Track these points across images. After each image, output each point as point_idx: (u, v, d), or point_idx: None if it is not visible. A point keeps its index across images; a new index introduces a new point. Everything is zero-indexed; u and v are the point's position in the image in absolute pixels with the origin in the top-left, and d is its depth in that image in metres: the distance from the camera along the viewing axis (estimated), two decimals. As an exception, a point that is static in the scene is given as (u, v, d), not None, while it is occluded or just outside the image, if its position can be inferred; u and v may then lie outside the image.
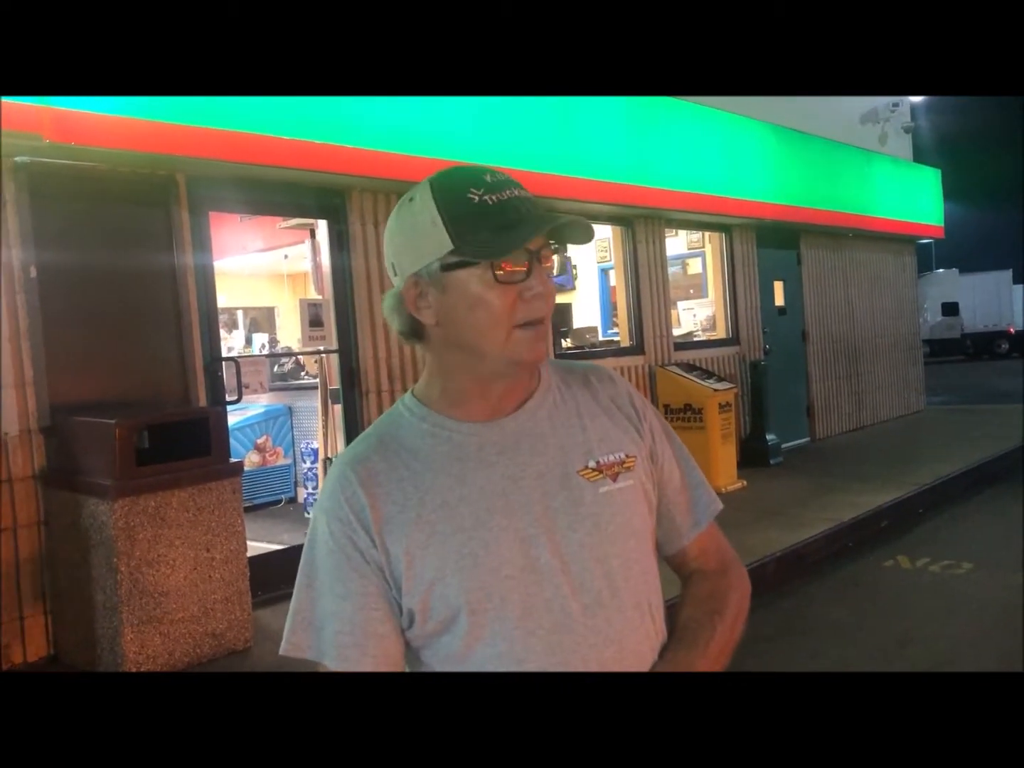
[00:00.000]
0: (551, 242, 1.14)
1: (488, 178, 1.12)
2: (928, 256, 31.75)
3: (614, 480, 1.18)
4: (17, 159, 4.20)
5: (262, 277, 9.45)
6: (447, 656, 1.14)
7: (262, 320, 9.25)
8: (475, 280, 1.10)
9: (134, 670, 3.87)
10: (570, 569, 1.13)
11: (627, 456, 1.20)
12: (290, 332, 9.34)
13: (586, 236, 1.16)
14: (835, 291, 10.59)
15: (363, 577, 1.13)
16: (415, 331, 1.19)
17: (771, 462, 8.42)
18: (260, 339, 8.38)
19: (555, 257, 1.19)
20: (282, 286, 9.67)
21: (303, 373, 8.14)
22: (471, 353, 1.14)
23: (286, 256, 8.20)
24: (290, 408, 7.80)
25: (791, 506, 6.77)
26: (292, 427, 7.87)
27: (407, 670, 1.19)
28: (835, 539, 6.04)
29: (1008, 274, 29.27)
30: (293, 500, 7.60)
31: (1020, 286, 29.59)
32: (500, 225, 1.09)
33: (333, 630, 1.13)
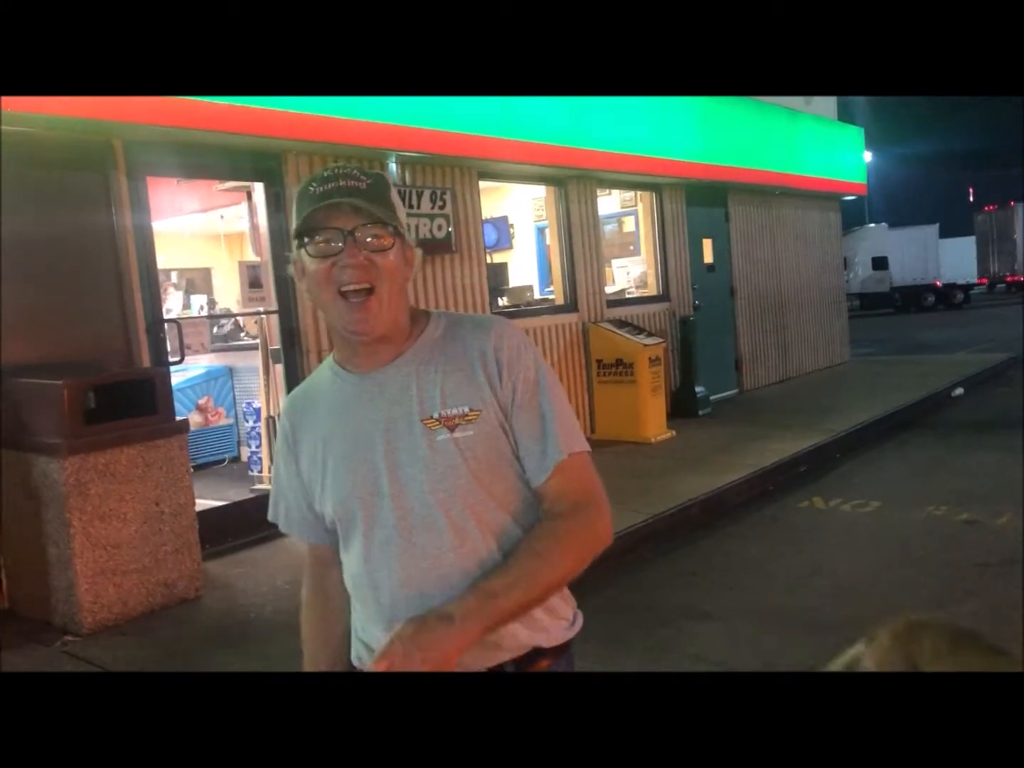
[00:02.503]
0: (364, 222, 1.35)
1: (327, 173, 1.38)
2: (861, 211, 32.38)
3: (451, 431, 1.39)
4: (-47, 125, 4.24)
5: (198, 238, 9.44)
6: (339, 548, 1.52)
7: (199, 281, 9.26)
8: (305, 256, 1.38)
9: (90, 619, 4.06)
10: (404, 498, 1.40)
11: (470, 410, 1.40)
12: (228, 293, 9.38)
13: (369, 216, 1.35)
14: (762, 248, 10.96)
15: (293, 478, 1.54)
16: (312, 296, 1.45)
17: (699, 413, 8.79)
18: (198, 300, 8.42)
19: (373, 231, 1.35)
20: (218, 247, 9.67)
21: (242, 334, 8.23)
22: (327, 314, 1.42)
23: (222, 217, 8.23)
24: (231, 369, 7.89)
25: (716, 454, 7.14)
26: (233, 387, 7.98)
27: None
28: (755, 483, 6.42)
29: (935, 228, 29.99)
30: (236, 459, 7.72)
31: (947, 240, 30.40)
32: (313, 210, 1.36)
33: (283, 510, 1.59)
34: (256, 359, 7.08)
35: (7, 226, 4.43)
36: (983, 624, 3.63)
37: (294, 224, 1.39)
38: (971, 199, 38.83)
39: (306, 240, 1.37)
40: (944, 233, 30.35)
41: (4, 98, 4.09)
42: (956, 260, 29.75)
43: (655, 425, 7.77)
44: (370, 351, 1.44)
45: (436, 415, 1.39)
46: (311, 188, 1.37)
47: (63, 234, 4.70)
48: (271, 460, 6.36)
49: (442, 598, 1.32)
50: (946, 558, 4.76)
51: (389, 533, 1.41)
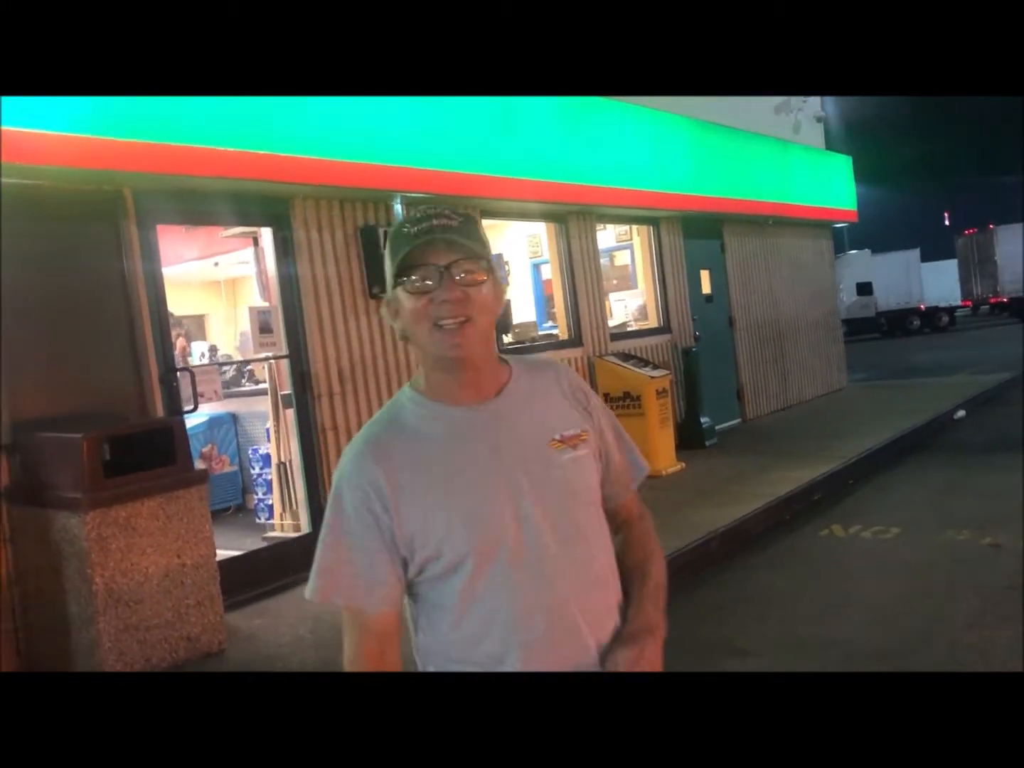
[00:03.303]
0: (459, 258, 1.40)
1: (420, 215, 1.43)
2: (841, 238, 32.74)
3: (575, 449, 1.50)
4: (-35, 180, 4.20)
5: (191, 285, 9.40)
6: (455, 591, 1.44)
7: (193, 328, 9.20)
8: (403, 292, 1.42)
9: (113, 678, 3.95)
10: (548, 515, 1.45)
11: (582, 431, 1.53)
12: (228, 339, 9.32)
13: (464, 251, 1.41)
14: (758, 277, 11.02)
15: (373, 538, 1.42)
16: (405, 334, 1.49)
17: (706, 444, 8.76)
18: (199, 347, 8.36)
19: (468, 267, 1.40)
20: (210, 293, 9.64)
21: (243, 380, 8.16)
22: (423, 348, 1.45)
23: (216, 263, 8.20)
24: (234, 415, 7.81)
25: (729, 484, 7.10)
26: (237, 434, 7.89)
27: (411, 610, 1.51)
28: (772, 513, 6.38)
29: (916, 253, 30.35)
30: (241, 507, 7.63)
31: (928, 264, 30.73)
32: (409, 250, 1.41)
33: (353, 579, 1.43)
34: (260, 405, 7.02)
35: (20, 279, 4.38)
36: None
37: (389, 266, 1.44)
38: (947, 223, 39.32)
39: (403, 279, 1.41)
40: (924, 257, 30.68)
41: (11, 150, 4.06)
42: (938, 283, 30.06)
43: (665, 457, 7.73)
44: (472, 383, 1.47)
45: (559, 436, 1.49)
46: (405, 229, 1.42)
47: (75, 285, 4.66)
48: (283, 507, 6.29)
49: (590, 604, 1.46)
50: (975, 583, 4.71)
51: (540, 553, 1.44)
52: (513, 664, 1.42)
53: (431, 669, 1.48)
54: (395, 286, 1.43)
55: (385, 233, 6.06)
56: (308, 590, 1.46)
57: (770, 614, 4.62)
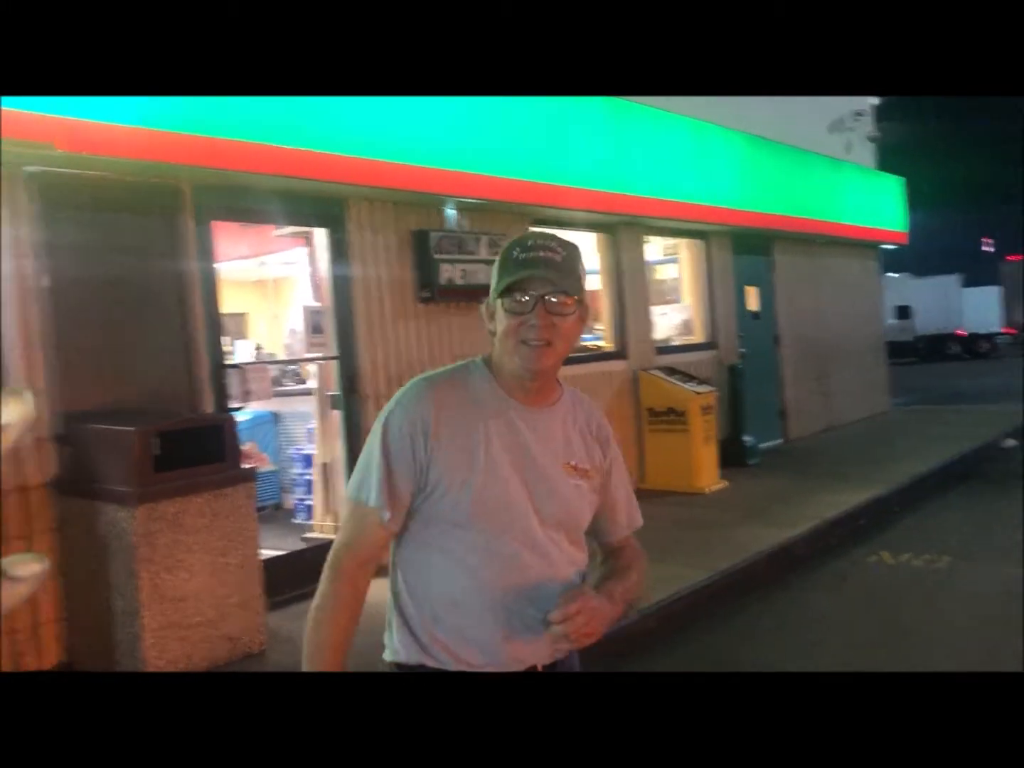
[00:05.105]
0: (553, 290, 1.58)
1: (531, 242, 1.62)
2: (881, 260, 32.33)
3: (580, 479, 1.71)
4: (29, 169, 4.21)
5: (237, 282, 9.43)
6: (447, 542, 1.63)
7: (234, 326, 9.22)
8: (501, 309, 1.62)
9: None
10: (541, 517, 1.66)
11: (590, 468, 1.73)
12: (271, 338, 9.34)
13: (559, 285, 1.58)
14: (805, 296, 10.86)
15: (406, 461, 1.62)
16: (494, 333, 1.69)
17: (749, 463, 8.63)
18: (244, 346, 8.37)
19: (564, 300, 1.59)
20: (255, 291, 9.67)
21: (286, 379, 8.15)
22: (505, 352, 1.64)
23: (263, 263, 8.21)
24: (276, 414, 7.81)
25: (774, 505, 6.97)
26: (277, 433, 7.89)
27: (407, 536, 1.68)
28: (819, 536, 6.25)
29: (957, 278, 30.00)
30: (279, 506, 7.61)
31: (969, 290, 30.33)
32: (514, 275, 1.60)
33: (379, 483, 1.63)
34: (302, 405, 7.00)
35: (78, 270, 4.38)
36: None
37: (495, 280, 1.63)
38: (988, 249, 38.72)
39: (504, 298, 1.61)
40: (966, 282, 30.29)
41: (77, 141, 4.07)
42: (979, 309, 29.64)
43: (708, 475, 7.61)
44: (533, 391, 1.68)
45: (573, 463, 1.71)
46: (515, 253, 1.61)
47: (130, 277, 4.65)
48: (324, 507, 6.25)
49: (549, 605, 1.57)
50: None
51: (524, 543, 1.64)
52: (476, 638, 1.61)
53: (410, 610, 1.65)
54: (496, 298, 1.63)
55: (438, 237, 6.02)
56: (348, 487, 1.70)
57: (823, 642, 4.50)
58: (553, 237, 1.66)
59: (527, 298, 1.58)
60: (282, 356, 7.87)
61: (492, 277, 1.66)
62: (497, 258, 1.66)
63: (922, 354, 29.17)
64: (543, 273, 1.57)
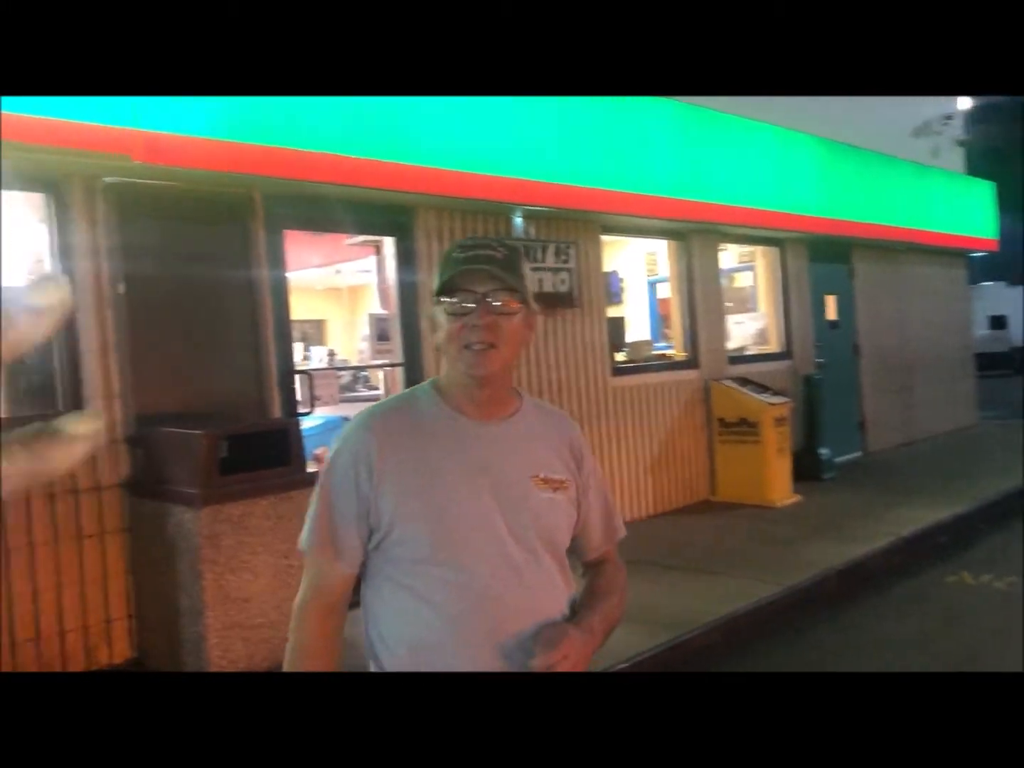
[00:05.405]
0: (496, 288, 1.52)
1: (471, 243, 1.59)
2: (972, 269, 31.19)
3: (553, 492, 1.61)
4: (107, 180, 4.37)
5: (310, 291, 9.64)
6: (411, 579, 1.54)
7: (312, 333, 9.42)
8: (442, 314, 1.54)
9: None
10: (512, 537, 1.55)
11: (565, 480, 1.64)
12: (346, 345, 9.51)
13: (502, 282, 1.52)
14: (887, 304, 10.54)
15: (352, 501, 1.55)
16: (439, 347, 1.63)
17: (824, 476, 8.40)
18: (318, 352, 8.54)
19: (503, 297, 1.52)
20: (330, 300, 9.87)
21: (358, 385, 8.28)
22: (449, 362, 1.58)
23: (338, 271, 8.37)
24: (347, 419, 7.91)
25: (848, 520, 6.76)
26: (348, 439, 7.98)
27: (367, 595, 1.62)
28: (895, 554, 6.03)
29: (1057, 287, 28.74)
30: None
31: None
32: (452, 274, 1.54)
33: (324, 531, 1.56)
34: (373, 411, 7.08)
35: (152, 277, 4.52)
36: None
37: (435, 284, 1.56)
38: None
39: (444, 300, 1.53)
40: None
41: (153, 152, 4.20)
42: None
43: (781, 488, 7.44)
44: (484, 403, 1.60)
45: (543, 475, 1.61)
46: (455, 254, 1.56)
47: (204, 285, 4.78)
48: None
49: (533, 630, 1.51)
50: None
51: (497, 569, 1.53)
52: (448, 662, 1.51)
53: (383, 655, 1.57)
54: (436, 303, 1.56)
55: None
56: (300, 539, 1.61)
57: (895, 665, 4.33)
58: (495, 238, 1.63)
59: (468, 297, 1.51)
60: (355, 362, 8.00)
61: (433, 283, 1.59)
62: (438, 264, 1.60)
63: (1017, 366, 28.01)
64: (485, 267, 1.51)
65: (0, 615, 4.01)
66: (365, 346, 7.28)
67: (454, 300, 1.52)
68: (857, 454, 9.79)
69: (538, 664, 1.43)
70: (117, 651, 4.37)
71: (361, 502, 1.54)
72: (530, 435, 1.64)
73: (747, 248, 9.37)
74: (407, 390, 1.69)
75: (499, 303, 1.52)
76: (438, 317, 1.55)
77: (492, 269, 1.51)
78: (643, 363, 7.74)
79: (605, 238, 7.44)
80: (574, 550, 1.72)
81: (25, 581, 4.11)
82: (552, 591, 1.61)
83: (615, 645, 4.55)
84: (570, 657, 1.45)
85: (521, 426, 1.64)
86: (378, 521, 1.53)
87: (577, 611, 1.64)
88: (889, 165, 10.00)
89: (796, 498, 7.54)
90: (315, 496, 1.59)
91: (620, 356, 7.90)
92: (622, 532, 1.80)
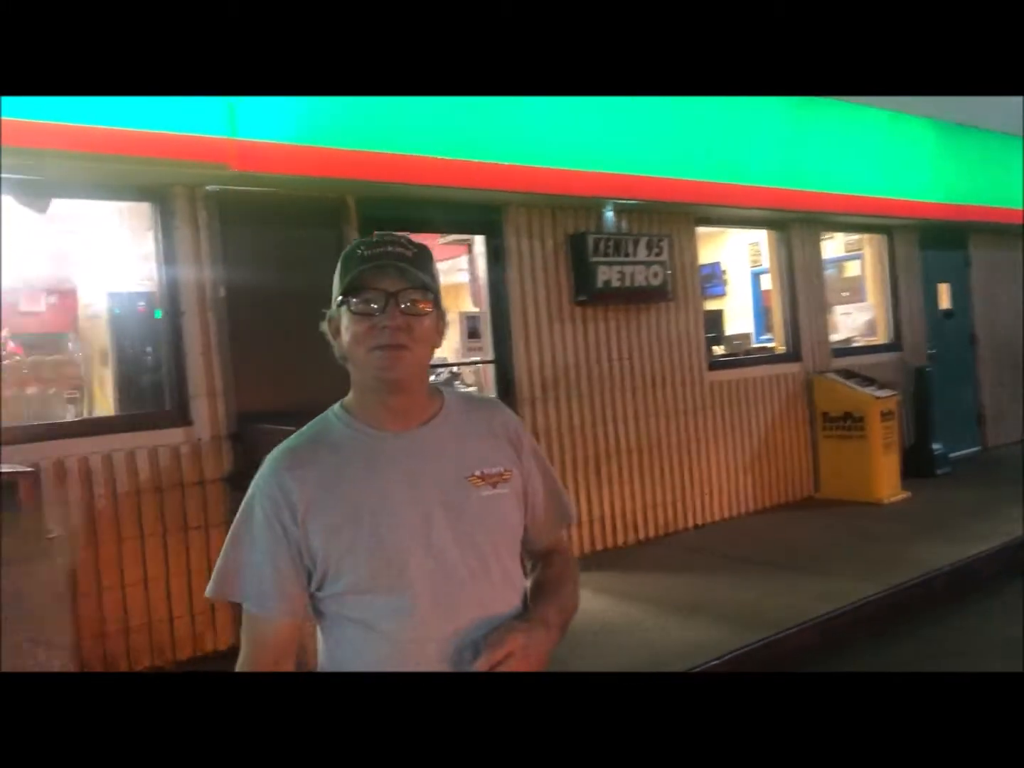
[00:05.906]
0: (407, 286, 1.41)
1: (376, 240, 1.46)
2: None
3: (494, 487, 1.51)
4: (208, 188, 4.57)
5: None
6: (356, 613, 1.45)
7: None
8: (346, 313, 1.44)
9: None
10: (459, 546, 1.46)
11: (505, 470, 1.53)
12: (444, 343, 9.64)
13: (413, 280, 1.42)
14: (1008, 293, 10.00)
15: (280, 548, 1.44)
16: (343, 355, 1.51)
17: (937, 472, 8.06)
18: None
19: (414, 296, 1.42)
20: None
21: (456, 382, 8.39)
22: (357, 369, 1.47)
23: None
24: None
25: (960, 518, 6.48)
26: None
27: (314, 619, 1.52)
28: (1009, 555, 5.74)
29: None
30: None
31: None
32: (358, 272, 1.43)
33: (255, 583, 1.44)
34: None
35: (252, 281, 4.71)
36: None
37: (337, 284, 1.46)
38: None
39: (350, 299, 1.43)
40: None
41: (250, 160, 4.37)
42: None
43: (888, 485, 7.17)
44: (400, 410, 1.49)
45: (479, 472, 1.50)
46: (359, 251, 1.45)
47: (301, 287, 4.92)
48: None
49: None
50: None
51: (444, 584, 1.44)
52: None
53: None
54: (340, 305, 1.45)
55: (595, 240, 6.01)
56: (208, 588, 1.49)
57: (1014, 669, 4.14)
58: (402, 236, 1.49)
59: (377, 296, 1.41)
60: (452, 360, 8.12)
61: (334, 283, 1.48)
62: (339, 261, 1.48)
63: None
64: (394, 265, 1.41)
65: (106, 603, 4.26)
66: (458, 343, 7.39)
67: (361, 300, 1.42)
68: (975, 449, 9.35)
69: (481, 665, 1.36)
70: (222, 639, 4.58)
71: (291, 544, 1.43)
72: (458, 433, 1.53)
73: (854, 236, 9.06)
74: (318, 417, 1.58)
75: (410, 303, 1.42)
76: (341, 320, 1.46)
77: (402, 265, 1.42)
78: (742, 356, 7.60)
79: (703, 230, 7.33)
80: (523, 540, 1.62)
81: (136, 569, 4.36)
82: (505, 591, 1.51)
83: (706, 641, 4.52)
84: (516, 654, 1.36)
85: (446, 426, 1.53)
86: (312, 561, 1.44)
87: (528, 605, 1.56)
88: (1006, 144, 9.48)
89: (905, 495, 7.26)
90: (232, 545, 1.47)
91: (718, 349, 7.78)
92: (572, 516, 1.70)
